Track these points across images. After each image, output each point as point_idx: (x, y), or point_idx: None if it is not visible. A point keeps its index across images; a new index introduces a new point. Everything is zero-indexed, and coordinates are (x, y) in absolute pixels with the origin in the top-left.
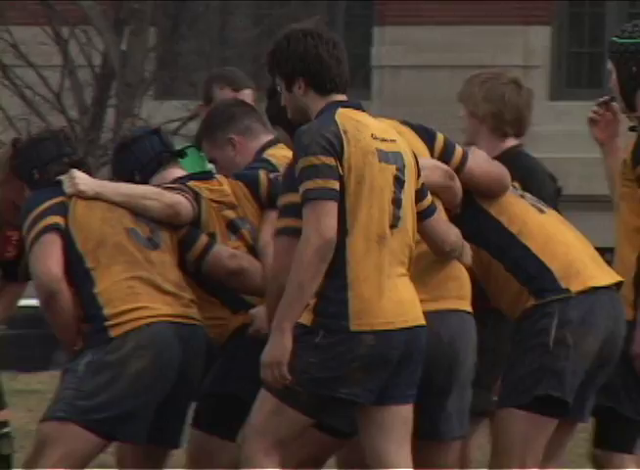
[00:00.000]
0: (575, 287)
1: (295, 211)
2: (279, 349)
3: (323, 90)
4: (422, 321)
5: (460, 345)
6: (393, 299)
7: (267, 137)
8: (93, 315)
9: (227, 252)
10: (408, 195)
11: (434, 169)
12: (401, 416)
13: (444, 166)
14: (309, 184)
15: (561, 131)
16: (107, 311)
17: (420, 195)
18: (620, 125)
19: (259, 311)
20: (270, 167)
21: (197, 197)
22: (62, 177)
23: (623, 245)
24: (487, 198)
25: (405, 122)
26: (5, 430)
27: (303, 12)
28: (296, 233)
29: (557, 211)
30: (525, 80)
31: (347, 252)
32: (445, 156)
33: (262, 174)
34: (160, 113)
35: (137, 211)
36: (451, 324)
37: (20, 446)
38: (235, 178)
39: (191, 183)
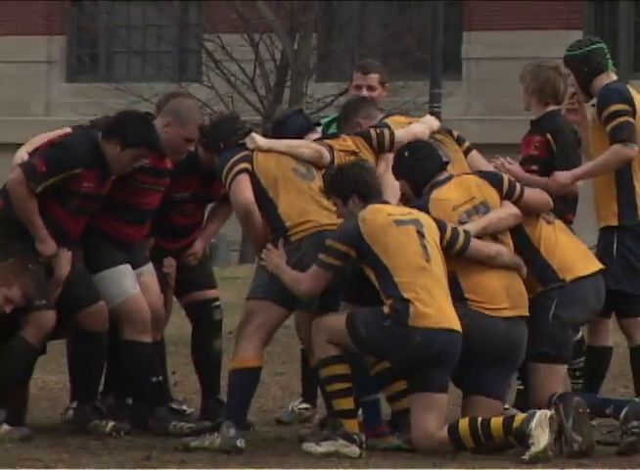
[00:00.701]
0: (569, 277)
1: (338, 254)
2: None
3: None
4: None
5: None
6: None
7: (381, 115)
8: (278, 227)
9: None
10: (432, 241)
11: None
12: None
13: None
14: (324, 257)
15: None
16: (288, 224)
17: (446, 238)
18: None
19: None
20: (385, 127)
21: (330, 148)
22: (245, 139)
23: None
24: (526, 216)
25: (481, 175)
26: (217, 303)
27: (420, 18)
28: (330, 269)
29: (579, 156)
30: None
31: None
32: (509, 194)
33: (372, 131)
34: (320, 91)
35: (297, 157)
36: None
37: (227, 315)
38: (356, 135)
39: (326, 141)
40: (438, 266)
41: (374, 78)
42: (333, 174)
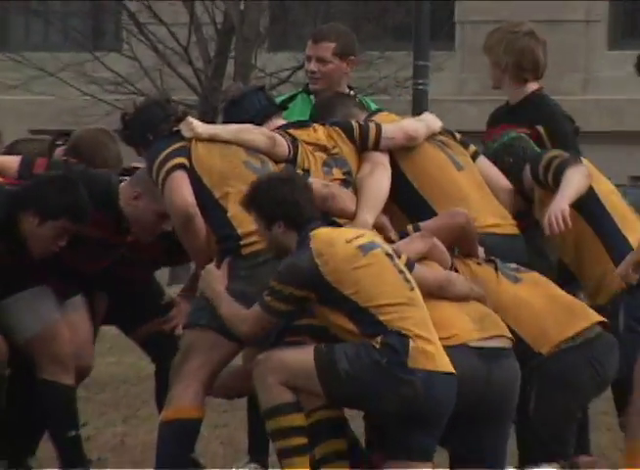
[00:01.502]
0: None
1: (290, 300)
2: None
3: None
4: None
5: None
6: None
7: (365, 115)
8: (227, 235)
9: (319, 182)
10: (402, 264)
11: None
12: None
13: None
14: (269, 300)
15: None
16: (240, 231)
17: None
18: None
19: None
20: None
21: (293, 140)
22: (180, 125)
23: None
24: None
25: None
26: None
27: None
28: (276, 316)
29: (578, 149)
30: (587, 33)
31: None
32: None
33: (353, 122)
34: (273, 63)
35: (246, 145)
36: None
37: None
38: (333, 125)
39: (290, 130)
40: (421, 299)
41: (326, 48)
42: (256, 188)
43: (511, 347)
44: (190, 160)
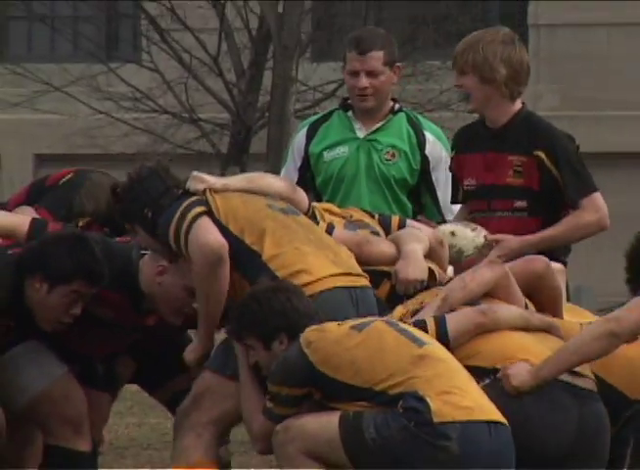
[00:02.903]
0: None
1: (292, 402)
2: None
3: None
4: None
5: None
6: None
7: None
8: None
9: (347, 231)
10: (411, 328)
11: (424, 229)
12: None
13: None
14: (272, 407)
15: None
16: (280, 274)
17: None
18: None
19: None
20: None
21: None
22: (188, 183)
23: None
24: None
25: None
26: None
27: None
28: (278, 421)
29: (586, 170)
30: None
31: None
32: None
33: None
34: (317, 75)
35: (263, 191)
36: None
37: None
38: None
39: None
40: (442, 349)
41: (377, 59)
42: (245, 305)
43: (593, 388)
44: (210, 210)
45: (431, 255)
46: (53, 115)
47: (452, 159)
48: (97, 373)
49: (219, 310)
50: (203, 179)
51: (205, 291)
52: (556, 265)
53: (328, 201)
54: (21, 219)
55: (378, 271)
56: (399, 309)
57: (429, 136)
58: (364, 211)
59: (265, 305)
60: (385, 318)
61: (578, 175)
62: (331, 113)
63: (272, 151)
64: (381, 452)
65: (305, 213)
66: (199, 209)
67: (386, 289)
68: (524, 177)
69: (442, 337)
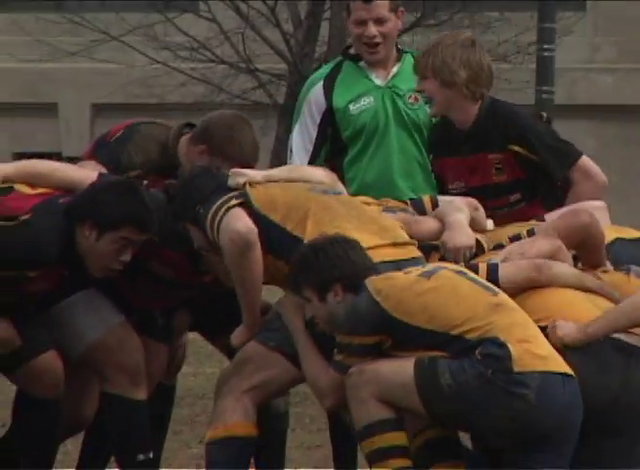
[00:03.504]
0: None
1: (364, 350)
2: None
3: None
4: None
5: None
6: None
7: None
8: None
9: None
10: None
11: (456, 200)
12: None
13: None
14: (342, 359)
15: None
16: None
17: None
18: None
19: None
20: None
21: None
22: (229, 180)
23: None
24: None
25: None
26: None
27: None
28: (346, 371)
29: (566, 144)
30: None
31: None
32: None
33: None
34: None
35: (304, 180)
36: None
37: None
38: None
39: None
40: (510, 301)
41: (383, 5)
42: (301, 256)
43: None
44: (250, 203)
45: (470, 221)
46: (110, 64)
47: (431, 161)
48: (156, 324)
49: (258, 295)
50: (243, 173)
51: (239, 277)
52: (597, 203)
53: (358, 154)
54: (87, 174)
55: (425, 245)
56: None
57: None
58: (397, 200)
59: (321, 256)
60: (451, 267)
61: (556, 151)
62: (338, 65)
63: None
64: (455, 398)
65: None
66: (234, 201)
67: (435, 261)
68: (506, 173)
69: (492, 283)
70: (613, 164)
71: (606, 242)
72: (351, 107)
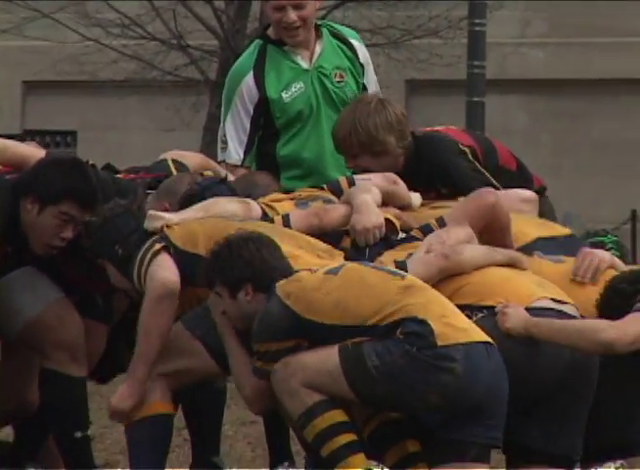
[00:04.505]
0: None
1: (281, 354)
2: None
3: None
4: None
5: None
6: None
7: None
8: None
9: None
10: (388, 262)
11: (375, 177)
12: None
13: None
14: (260, 365)
15: None
16: None
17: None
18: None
19: None
20: None
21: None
22: (145, 223)
23: None
24: None
25: None
26: None
27: None
28: (267, 376)
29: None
30: None
31: None
32: None
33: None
34: None
35: (219, 215)
36: None
37: None
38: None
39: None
40: (419, 281)
41: None
42: (216, 252)
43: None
44: (171, 243)
45: (389, 196)
46: (41, 41)
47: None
48: (96, 304)
49: (156, 350)
50: (159, 217)
51: (146, 325)
52: (527, 194)
53: (292, 137)
54: (37, 151)
55: (337, 232)
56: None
57: (355, 43)
58: (311, 186)
59: (235, 253)
60: (356, 261)
61: (477, 182)
62: (261, 52)
63: None
64: (384, 379)
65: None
66: (157, 246)
67: (347, 244)
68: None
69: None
70: (544, 138)
71: (527, 241)
72: (284, 95)
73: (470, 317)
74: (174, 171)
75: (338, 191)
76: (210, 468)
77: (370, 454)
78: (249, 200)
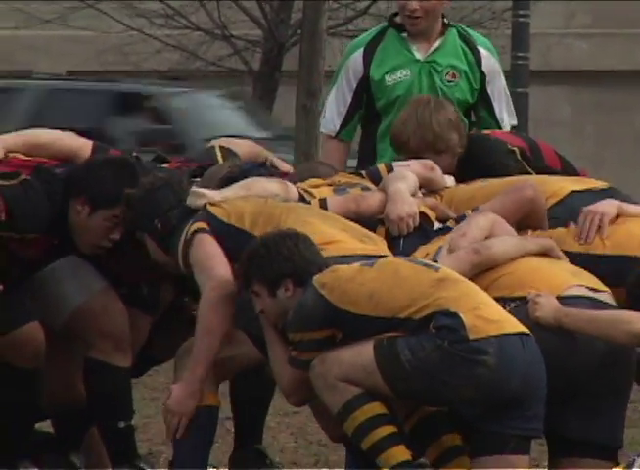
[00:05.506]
0: None
1: (316, 345)
2: None
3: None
4: None
5: None
6: None
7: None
8: None
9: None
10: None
11: (412, 164)
12: None
13: (422, 161)
14: (296, 355)
15: None
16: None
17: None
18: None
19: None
20: None
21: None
22: (188, 199)
23: None
24: None
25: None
26: None
27: None
28: (306, 368)
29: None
30: None
31: None
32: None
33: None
34: None
35: (259, 195)
36: None
37: None
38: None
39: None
40: (454, 273)
41: None
42: (253, 251)
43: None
44: (216, 220)
45: (427, 182)
46: (85, 31)
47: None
48: (141, 294)
49: (216, 350)
50: (202, 194)
51: (207, 325)
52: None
53: (389, 124)
54: (83, 142)
55: (372, 221)
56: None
57: (482, 51)
58: (350, 172)
59: (272, 251)
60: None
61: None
62: (381, 32)
63: (304, 68)
64: (418, 374)
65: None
66: (199, 224)
67: (381, 234)
68: None
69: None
70: (587, 129)
71: (562, 195)
72: (387, 78)
73: (504, 308)
74: (220, 159)
75: (376, 178)
76: (255, 455)
77: (412, 450)
78: (287, 182)
